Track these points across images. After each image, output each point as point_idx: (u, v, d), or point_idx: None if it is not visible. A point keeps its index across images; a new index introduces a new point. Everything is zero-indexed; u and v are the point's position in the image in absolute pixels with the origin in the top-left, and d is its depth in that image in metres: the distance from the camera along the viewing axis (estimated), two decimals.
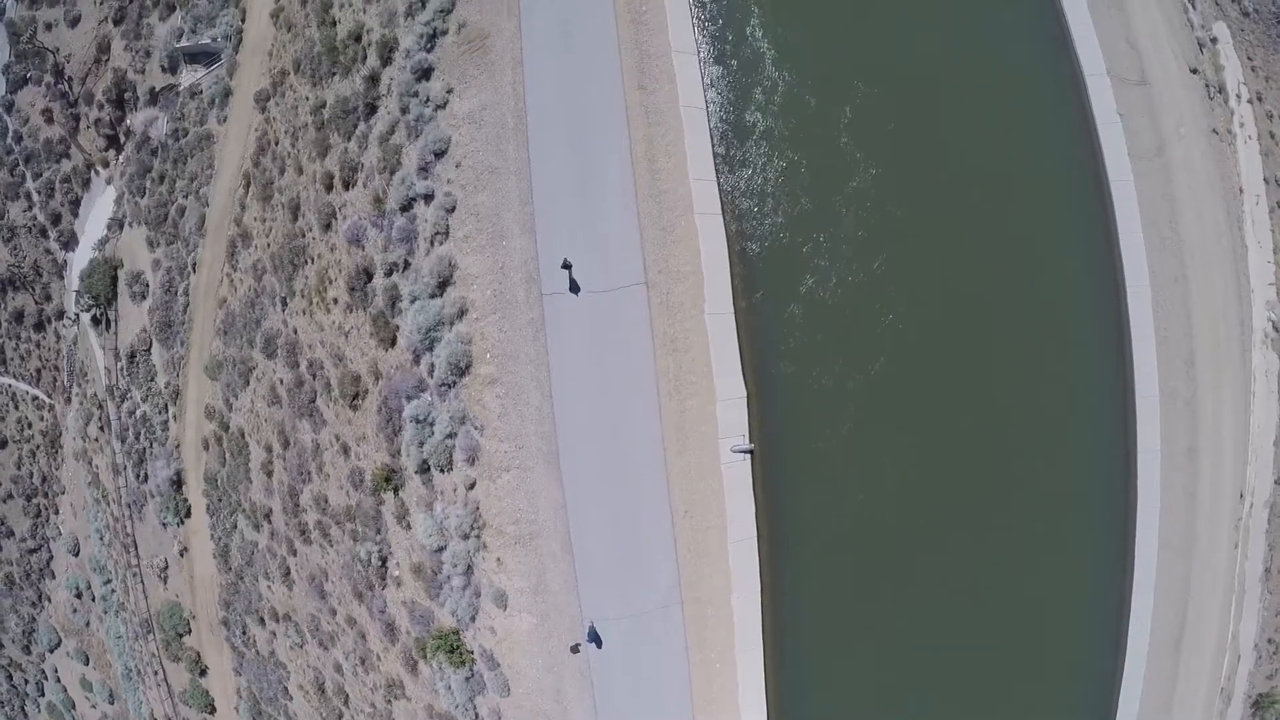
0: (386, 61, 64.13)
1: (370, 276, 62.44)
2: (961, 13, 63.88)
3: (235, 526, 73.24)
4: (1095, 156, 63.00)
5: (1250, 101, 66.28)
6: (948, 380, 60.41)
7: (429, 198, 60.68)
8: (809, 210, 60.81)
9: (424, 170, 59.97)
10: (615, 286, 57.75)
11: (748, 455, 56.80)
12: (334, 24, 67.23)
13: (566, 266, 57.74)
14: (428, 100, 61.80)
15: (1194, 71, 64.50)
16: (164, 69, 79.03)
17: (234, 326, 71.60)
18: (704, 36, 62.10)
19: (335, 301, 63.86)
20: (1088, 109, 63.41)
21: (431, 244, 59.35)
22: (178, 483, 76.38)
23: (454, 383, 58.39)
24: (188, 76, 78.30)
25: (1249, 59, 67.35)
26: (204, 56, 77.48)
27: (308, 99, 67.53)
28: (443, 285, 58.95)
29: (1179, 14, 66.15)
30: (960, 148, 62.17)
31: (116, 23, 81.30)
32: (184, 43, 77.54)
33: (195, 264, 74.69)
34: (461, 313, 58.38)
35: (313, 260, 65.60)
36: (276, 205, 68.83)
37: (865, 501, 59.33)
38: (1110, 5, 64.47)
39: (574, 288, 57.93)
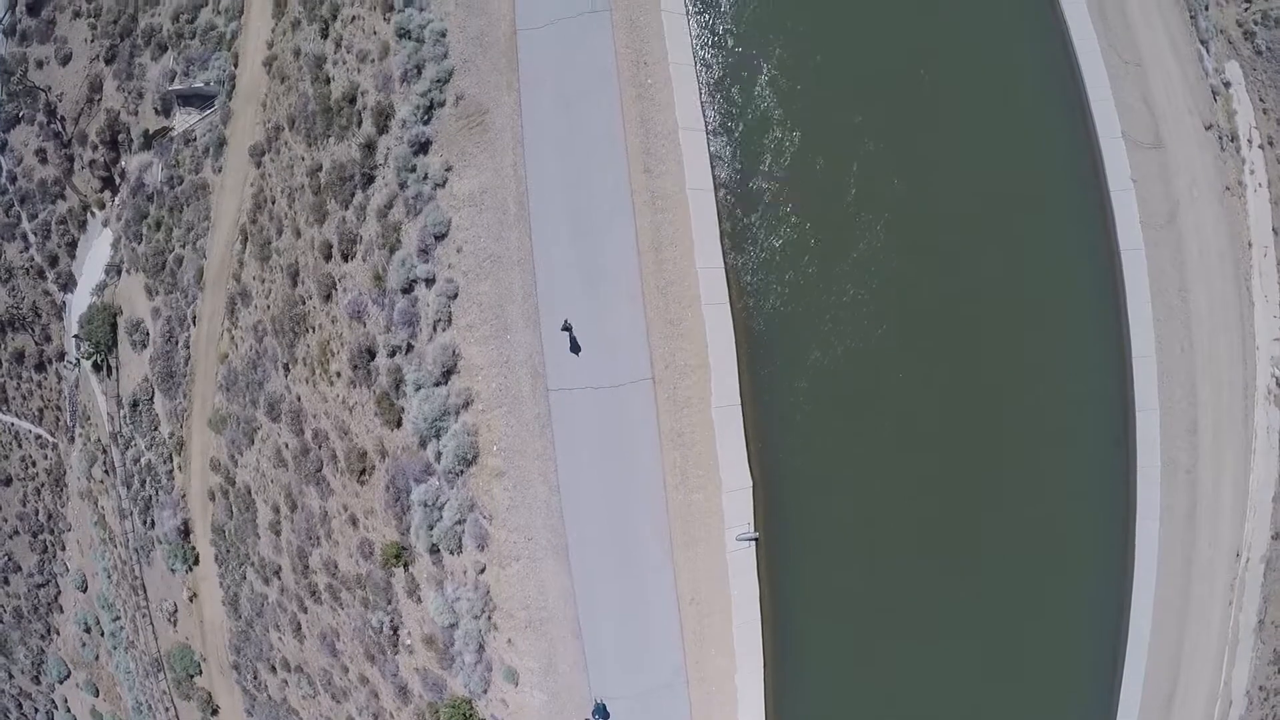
0: (383, 130, 63.65)
1: (373, 355, 62.38)
2: (974, 73, 63.70)
3: (244, 578, 74.04)
4: (1107, 223, 62.74)
5: (1261, 147, 65.78)
6: (952, 451, 61.03)
7: (430, 281, 60.57)
8: (816, 280, 60.99)
9: (424, 252, 59.78)
10: (622, 382, 57.90)
11: (752, 542, 56.67)
12: (328, 81, 66.60)
13: (567, 329, 57.96)
14: (426, 177, 61.45)
15: (1208, 128, 63.67)
16: (157, 111, 78.26)
17: (236, 384, 71.71)
18: (710, 101, 62.13)
19: (338, 375, 64.06)
20: (1101, 174, 62.92)
21: (434, 329, 59.37)
22: (185, 531, 76.53)
23: (461, 471, 58.78)
24: (181, 120, 77.52)
25: (1260, 100, 66.86)
26: (197, 99, 76.89)
27: (303, 159, 66.95)
28: (447, 374, 59.07)
29: (1194, 62, 65.70)
30: (970, 212, 62.14)
31: (108, 62, 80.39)
32: (176, 85, 76.80)
33: (195, 316, 74.39)
34: (467, 403, 58.65)
35: (314, 329, 65.49)
36: (275, 267, 68.45)
37: (868, 576, 60.73)
38: (1128, 62, 63.83)
39: (574, 347, 58.28)
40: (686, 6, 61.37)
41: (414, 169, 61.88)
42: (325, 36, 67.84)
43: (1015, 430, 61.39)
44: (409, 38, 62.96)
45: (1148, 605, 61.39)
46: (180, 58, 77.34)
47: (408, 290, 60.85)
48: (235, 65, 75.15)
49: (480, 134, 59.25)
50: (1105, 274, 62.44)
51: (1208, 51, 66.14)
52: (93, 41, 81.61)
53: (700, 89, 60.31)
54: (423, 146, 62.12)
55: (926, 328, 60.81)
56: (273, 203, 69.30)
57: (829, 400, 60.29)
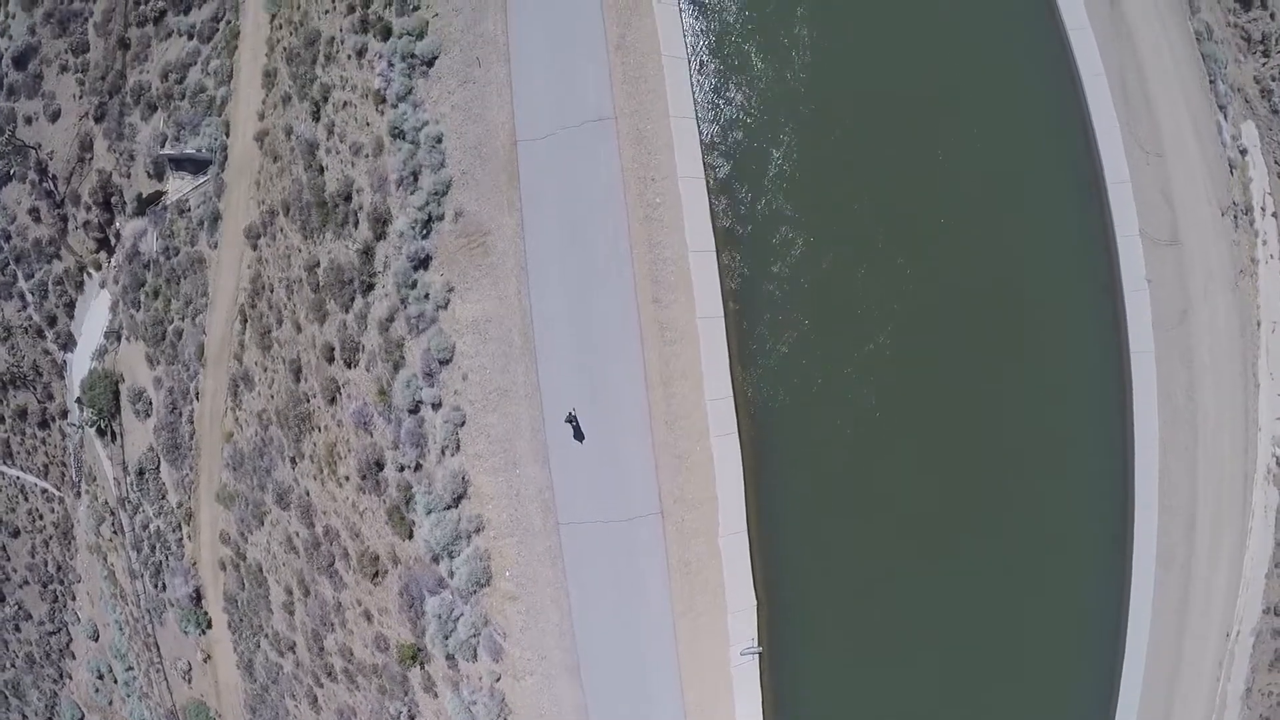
0: (380, 235, 62.83)
1: (381, 467, 62.27)
2: (992, 168, 62.73)
3: (259, 646, 74.79)
4: (1119, 322, 62.13)
5: (1275, 215, 65.49)
6: (955, 554, 61.22)
7: (436, 406, 59.97)
8: (823, 388, 60.93)
9: (429, 375, 59.44)
10: (631, 516, 57.58)
11: (756, 655, 57.61)
12: (321, 170, 65.66)
13: (571, 419, 57.93)
14: (428, 297, 60.65)
15: (1224, 213, 63.12)
16: (150, 174, 77.29)
17: (243, 466, 71.80)
18: (715, 203, 60.84)
19: (347, 479, 64.16)
20: (1115, 272, 62.10)
21: (443, 453, 59.23)
22: (197, 597, 77.11)
23: (475, 591, 58.99)
24: (175, 184, 76.72)
25: (1275, 164, 66.39)
26: (190, 163, 75.87)
27: (300, 250, 66.17)
28: (458, 499, 58.95)
29: (1213, 138, 64.64)
30: (980, 313, 61.98)
31: (98, 120, 79.18)
32: (168, 150, 75.77)
33: (198, 392, 74.21)
34: (479, 529, 58.78)
35: (320, 429, 65.44)
36: (277, 358, 68.06)
37: (874, 687, 60.93)
38: (1149, 152, 62.49)
39: (578, 435, 57.84)
40: (696, 109, 59.57)
41: (414, 285, 61.16)
42: (317, 120, 66.17)
43: (1017, 528, 61.73)
44: (403, 138, 61.79)
45: (1137, 680, 62.08)
46: (170, 120, 75.80)
47: (414, 411, 60.28)
48: (226, 134, 73.54)
49: (482, 256, 58.44)
50: (1113, 373, 61.94)
51: (1225, 117, 65.29)
52: (81, 98, 80.00)
53: (710, 211, 58.82)
54: (423, 262, 61.30)
55: (931, 430, 60.87)
56: (271, 290, 68.32)
57: (834, 507, 61.43)
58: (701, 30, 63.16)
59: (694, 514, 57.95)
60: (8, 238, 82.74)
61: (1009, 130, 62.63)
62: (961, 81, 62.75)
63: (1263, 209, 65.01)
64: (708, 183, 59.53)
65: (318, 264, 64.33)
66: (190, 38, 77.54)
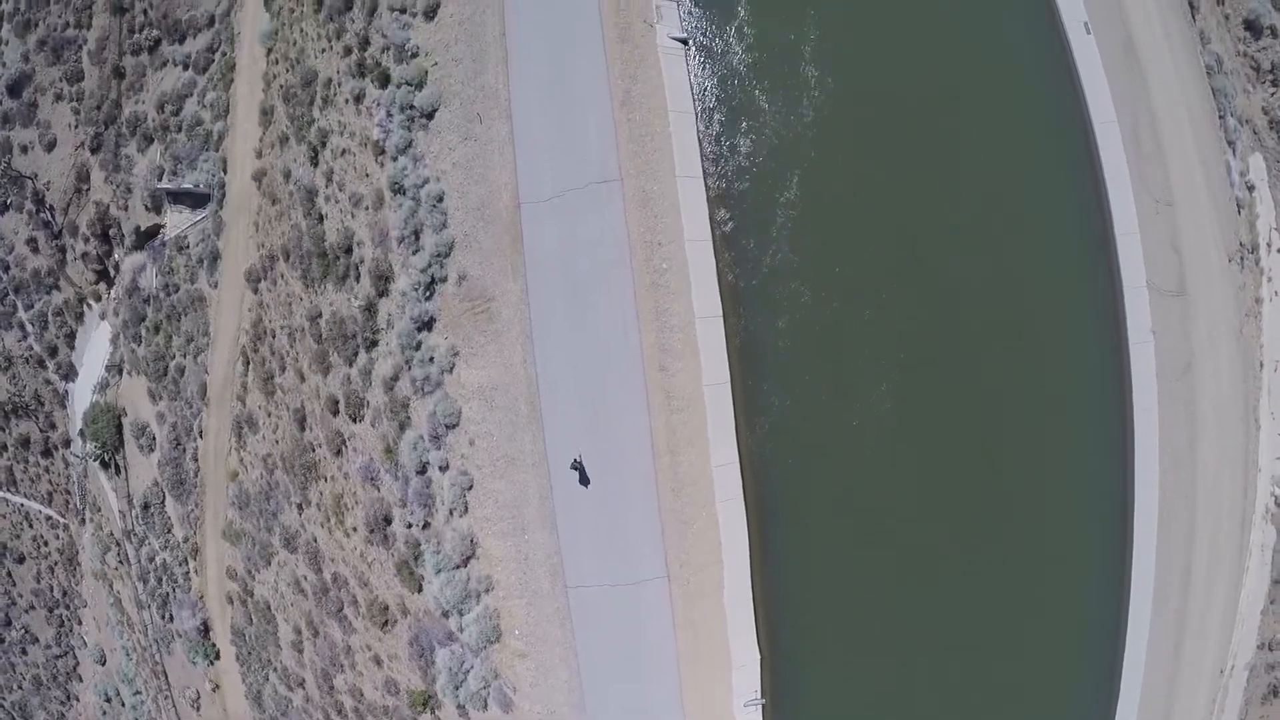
0: (383, 292, 62.40)
1: (389, 521, 62.05)
2: (1000, 212, 62.26)
3: (267, 679, 75.00)
4: (1123, 373, 61.53)
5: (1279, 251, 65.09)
6: (957, 607, 61.17)
7: (444, 468, 59.57)
8: (829, 439, 60.73)
9: (436, 438, 59.11)
10: (637, 580, 57.64)
11: (759, 706, 57.84)
12: (321, 219, 65.26)
13: (577, 466, 57.78)
14: (432, 360, 60.24)
15: (1231, 260, 62.58)
16: (147, 208, 76.57)
17: (249, 506, 71.66)
18: (723, 259, 60.23)
19: (354, 530, 64.10)
20: (1121, 323, 61.41)
21: (451, 514, 59.21)
22: (204, 629, 77.11)
23: (485, 646, 59.10)
24: (173, 218, 76.06)
25: None
26: (187, 197, 75.17)
27: (301, 299, 65.78)
28: (466, 559, 58.87)
29: (1222, 179, 64.14)
30: (983, 361, 61.77)
31: (94, 150, 78.42)
32: (165, 184, 75.02)
33: (201, 430, 73.96)
34: (488, 589, 58.76)
35: (326, 479, 65.27)
36: (280, 404, 67.79)
37: None
38: (1159, 201, 61.87)
39: (584, 479, 57.92)
40: (705, 167, 58.84)
41: (418, 346, 60.72)
42: (315, 165, 65.48)
43: (1016, 577, 61.77)
44: (403, 194, 61.06)
45: (1132, 716, 62.05)
46: (167, 153, 75.10)
47: (421, 472, 59.87)
48: (224, 171, 72.57)
49: (486, 323, 57.89)
50: (1116, 426, 61.62)
51: (1234, 153, 64.52)
52: (76, 128, 79.13)
53: (719, 274, 58.23)
54: (426, 324, 60.61)
55: (935, 483, 60.65)
56: (273, 336, 67.87)
57: (839, 556, 61.51)
58: (707, 77, 62.46)
59: (699, 576, 58.04)
60: (6, 268, 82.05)
61: (1018, 179, 62.29)
62: (970, 130, 62.15)
63: (1268, 244, 64.40)
64: (714, 238, 60.00)
65: (320, 315, 63.45)
66: (185, 68, 76.16)
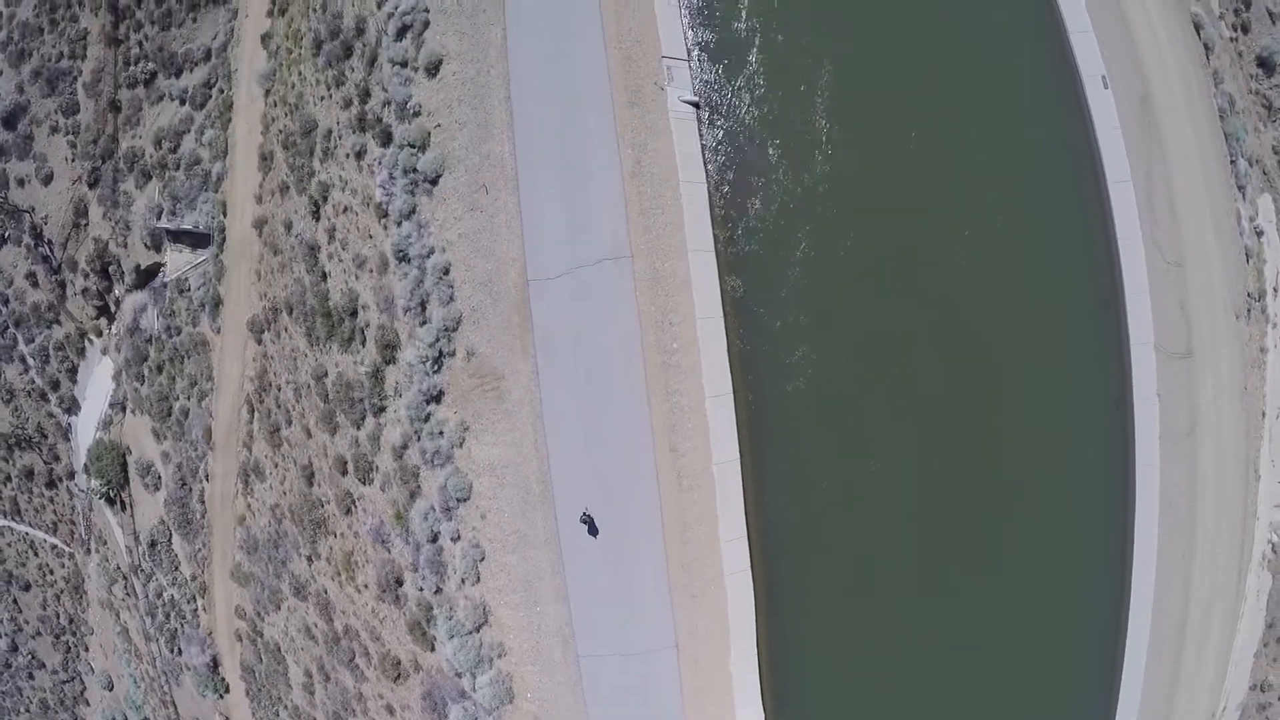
0: (389, 360, 61.73)
1: (401, 583, 61.78)
2: (1011, 272, 61.80)
3: (278, 715, 75.03)
4: (1126, 433, 61.02)
5: None
6: (953, 674, 60.95)
7: (455, 539, 59.32)
8: (838, 502, 60.58)
9: (447, 510, 58.81)
10: (647, 649, 57.86)
11: None
12: (324, 276, 64.50)
13: (586, 520, 57.90)
14: (442, 434, 59.63)
15: (1238, 317, 62.03)
16: (147, 246, 75.67)
17: (257, 551, 71.41)
18: (732, 324, 59.56)
19: (366, 587, 63.89)
20: (1127, 385, 60.93)
21: (463, 582, 58.98)
22: (214, 664, 77.01)
23: (498, 707, 59.16)
24: (173, 257, 75.26)
25: None
26: (187, 235, 74.27)
27: (306, 355, 65.18)
28: (479, 626, 58.59)
29: (1232, 231, 63.63)
30: (987, 421, 61.30)
31: (91, 185, 77.50)
32: (164, 223, 74.21)
33: (208, 474, 73.42)
34: (501, 654, 58.58)
35: (336, 535, 65.05)
36: (287, 457, 67.33)
37: None
38: (1170, 262, 61.12)
39: (592, 531, 57.98)
40: (715, 230, 58.37)
41: (427, 419, 60.13)
42: (317, 219, 64.81)
43: (1015, 623, 61.67)
44: (408, 261, 60.24)
45: None
46: (166, 191, 74.20)
47: (433, 540, 59.44)
48: (224, 214, 71.61)
49: (496, 401, 57.28)
50: (1117, 487, 61.43)
51: (1244, 196, 63.84)
52: (73, 161, 78.08)
53: (729, 356, 57.69)
54: (435, 397, 60.02)
55: (938, 539, 60.29)
56: (278, 389, 67.29)
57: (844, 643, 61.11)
58: (718, 133, 61.51)
59: (708, 644, 58.31)
60: (6, 301, 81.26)
61: (1030, 239, 61.85)
62: (984, 188, 61.49)
63: (1275, 289, 63.75)
64: (725, 310, 59.41)
65: (325, 374, 62.95)
66: (182, 103, 75.05)
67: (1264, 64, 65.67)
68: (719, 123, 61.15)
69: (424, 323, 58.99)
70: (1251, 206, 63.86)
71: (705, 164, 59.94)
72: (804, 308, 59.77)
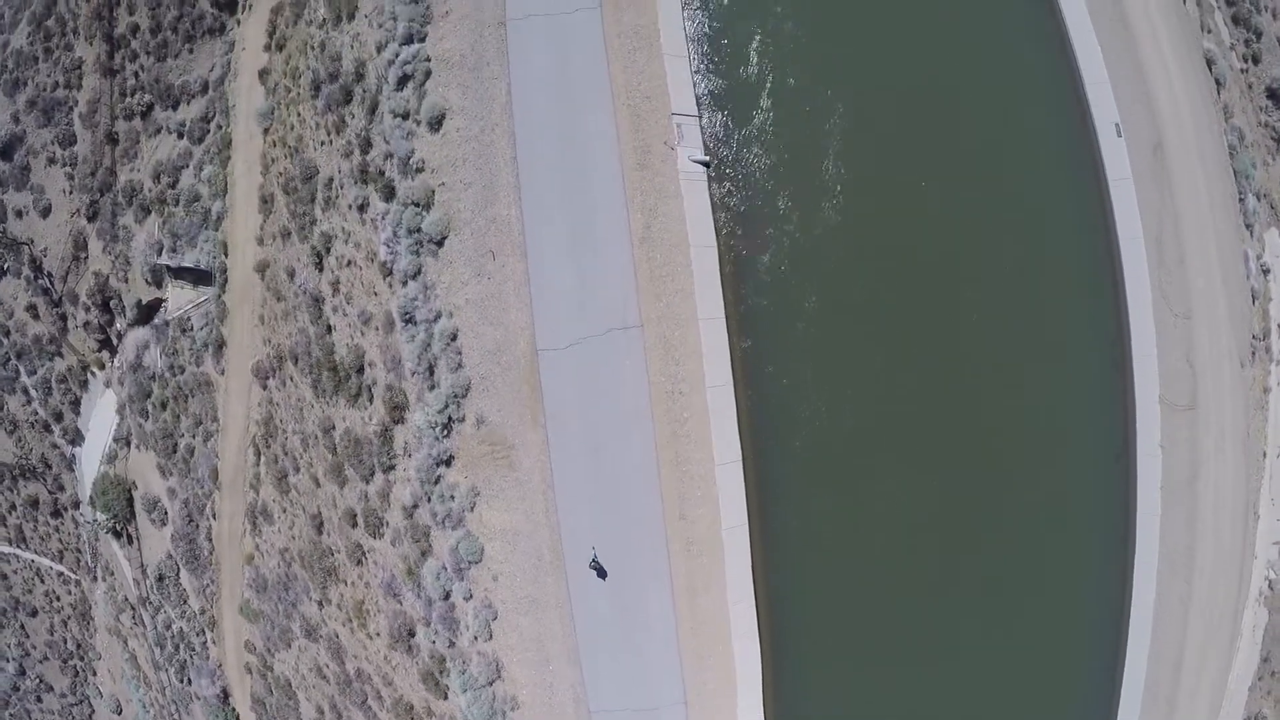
0: (398, 420, 61.68)
1: (413, 633, 62.09)
2: (1020, 328, 62.09)
3: None
4: (1127, 487, 61.72)
5: None
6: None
7: (468, 597, 59.49)
8: (845, 556, 61.33)
9: (459, 570, 58.94)
10: (657, 705, 58.70)
11: None
12: (329, 329, 64.41)
13: (595, 565, 58.36)
14: (453, 497, 59.72)
15: (1244, 365, 62.10)
16: (148, 282, 75.25)
17: (266, 591, 71.70)
18: (742, 386, 59.52)
19: (378, 634, 64.13)
20: (1130, 438, 61.25)
21: (476, 638, 59.20)
22: (224, 695, 77.40)
23: None
24: (174, 294, 75.07)
25: None
26: (189, 272, 73.77)
27: (313, 406, 65.25)
28: (492, 681, 59.02)
29: (1239, 276, 63.67)
30: (992, 473, 61.97)
31: (90, 219, 77.02)
32: (165, 259, 73.89)
33: (215, 512, 73.48)
34: (514, 707, 59.26)
35: (347, 584, 65.28)
36: (296, 504, 67.49)
37: None
38: (1177, 315, 61.37)
39: (601, 574, 58.66)
40: (725, 303, 57.58)
41: (438, 481, 60.37)
42: (320, 269, 64.67)
43: (1010, 669, 62.37)
44: (415, 324, 60.04)
45: None
46: (165, 228, 73.59)
47: (445, 597, 59.54)
48: (225, 254, 71.08)
49: (507, 470, 57.34)
50: (1117, 532, 62.18)
51: (1251, 234, 63.74)
52: (71, 194, 77.41)
53: (738, 418, 57.67)
54: (445, 461, 60.26)
55: (943, 590, 61.24)
56: (285, 435, 67.16)
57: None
58: (728, 186, 61.70)
59: (716, 701, 58.97)
60: (7, 333, 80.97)
61: (1039, 293, 62.09)
62: (993, 237, 61.99)
63: (1279, 326, 62.72)
64: (733, 365, 59.26)
65: (333, 427, 62.84)
66: (180, 136, 74.31)
67: (1274, 95, 66.13)
68: (728, 173, 61.09)
69: (432, 387, 58.99)
70: (1258, 244, 63.54)
71: (715, 220, 60.03)
72: (812, 364, 60.25)
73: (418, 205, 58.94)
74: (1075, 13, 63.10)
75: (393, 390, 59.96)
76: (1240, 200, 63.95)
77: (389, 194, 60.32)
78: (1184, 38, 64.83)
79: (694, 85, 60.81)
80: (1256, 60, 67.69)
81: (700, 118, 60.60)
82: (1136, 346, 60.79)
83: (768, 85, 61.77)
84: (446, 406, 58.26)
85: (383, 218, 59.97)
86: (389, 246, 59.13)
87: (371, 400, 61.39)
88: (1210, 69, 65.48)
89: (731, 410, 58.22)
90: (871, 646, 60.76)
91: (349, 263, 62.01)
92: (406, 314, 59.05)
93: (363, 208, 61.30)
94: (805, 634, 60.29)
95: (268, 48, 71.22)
